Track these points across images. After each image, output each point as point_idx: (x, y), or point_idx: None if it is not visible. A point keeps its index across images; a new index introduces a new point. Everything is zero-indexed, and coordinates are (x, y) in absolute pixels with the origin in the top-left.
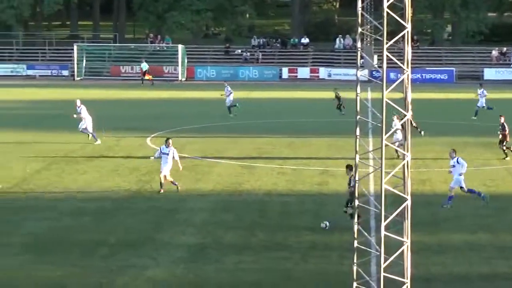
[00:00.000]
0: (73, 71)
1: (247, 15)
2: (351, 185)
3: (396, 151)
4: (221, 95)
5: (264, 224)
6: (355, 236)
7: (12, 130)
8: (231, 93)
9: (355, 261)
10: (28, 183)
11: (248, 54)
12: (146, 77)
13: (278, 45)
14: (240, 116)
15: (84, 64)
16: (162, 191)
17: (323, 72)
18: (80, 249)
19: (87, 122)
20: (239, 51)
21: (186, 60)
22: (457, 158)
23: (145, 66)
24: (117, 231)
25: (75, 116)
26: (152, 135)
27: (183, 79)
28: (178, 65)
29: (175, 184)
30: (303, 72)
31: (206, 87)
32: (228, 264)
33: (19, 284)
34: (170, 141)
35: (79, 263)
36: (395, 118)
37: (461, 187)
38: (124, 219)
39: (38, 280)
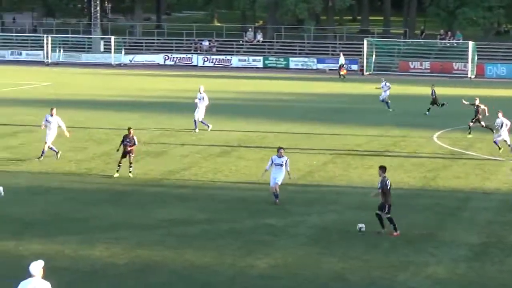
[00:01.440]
0: (362, 66)
1: None
2: (379, 187)
3: (498, 146)
4: (376, 88)
5: None
6: None
7: (303, 122)
8: (389, 88)
9: None
10: (313, 175)
11: None
12: (342, 72)
13: None
14: None
15: (373, 59)
16: (277, 201)
17: None
18: (362, 243)
19: (200, 111)
20: None
21: (476, 57)
22: None
23: (341, 60)
24: (400, 227)
25: (196, 101)
26: (439, 132)
27: (473, 76)
28: (468, 62)
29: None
30: None
31: (496, 85)
32: (511, 266)
33: (302, 273)
34: (282, 150)
35: (361, 257)
36: (500, 115)
37: None
38: (407, 215)
39: (321, 271)
